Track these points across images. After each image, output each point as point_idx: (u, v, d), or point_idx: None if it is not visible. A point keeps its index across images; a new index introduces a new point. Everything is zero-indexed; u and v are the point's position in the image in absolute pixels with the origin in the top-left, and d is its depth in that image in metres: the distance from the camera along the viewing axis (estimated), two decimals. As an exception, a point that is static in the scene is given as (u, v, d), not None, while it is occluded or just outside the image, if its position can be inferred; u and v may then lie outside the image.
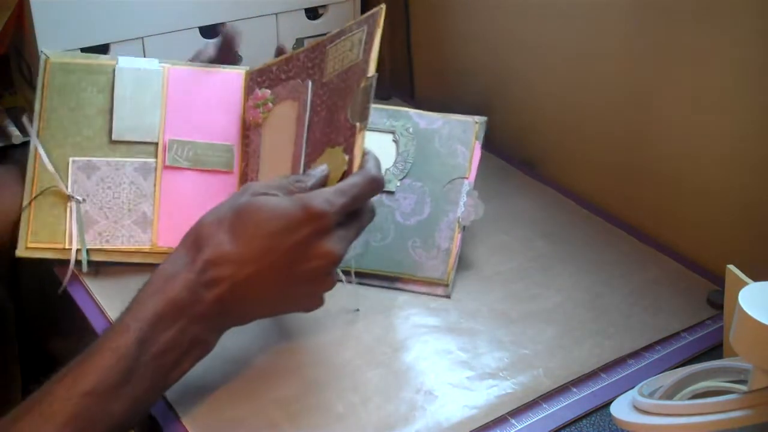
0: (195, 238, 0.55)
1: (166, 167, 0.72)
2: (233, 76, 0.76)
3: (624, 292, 0.70)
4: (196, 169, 0.73)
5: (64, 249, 0.69)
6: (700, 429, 0.44)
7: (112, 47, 0.91)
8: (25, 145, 0.92)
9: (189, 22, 0.93)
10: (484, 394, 0.60)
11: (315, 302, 0.58)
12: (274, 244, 0.54)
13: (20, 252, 0.69)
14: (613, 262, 0.74)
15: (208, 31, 0.94)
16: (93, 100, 0.72)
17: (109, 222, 0.71)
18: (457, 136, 0.75)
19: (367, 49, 0.62)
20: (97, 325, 0.66)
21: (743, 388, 0.49)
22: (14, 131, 0.92)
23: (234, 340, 0.64)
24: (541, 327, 0.66)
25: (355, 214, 0.58)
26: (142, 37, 0.92)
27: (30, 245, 0.69)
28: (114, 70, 0.73)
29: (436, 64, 1.06)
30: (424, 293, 0.70)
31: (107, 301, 0.68)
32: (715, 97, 0.71)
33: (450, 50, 1.03)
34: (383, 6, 0.64)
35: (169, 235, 0.71)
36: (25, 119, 0.72)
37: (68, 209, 0.70)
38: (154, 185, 0.72)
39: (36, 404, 0.48)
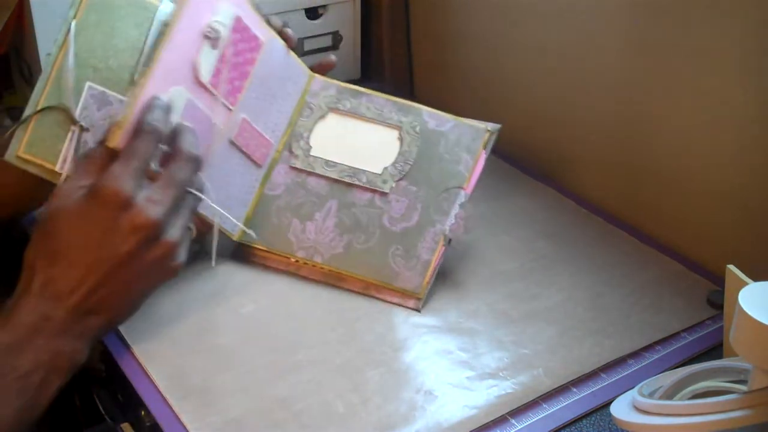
0: (27, 271, 0.56)
1: None
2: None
3: (624, 292, 0.70)
4: None
5: (54, 172, 0.65)
6: (700, 429, 0.44)
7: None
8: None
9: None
10: (484, 394, 0.60)
11: (168, 268, 0.59)
12: (89, 241, 0.55)
13: (9, 157, 0.65)
14: (614, 262, 0.74)
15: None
16: (128, 32, 0.67)
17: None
18: (465, 143, 0.72)
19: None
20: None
21: (743, 388, 0.49)
22: (14, 131, 0.92)
23: (234, 340, 0.64)
24: (541, 327, 0.66)
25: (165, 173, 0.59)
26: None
27: (21, 155, 0.65)
28: (157, 11, 0.67)
29: (436, 63, 1.06)
30: (395, 304, 0.69)
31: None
32: (715, 97, 0.71)
33: (450, 50, 1.03)
34: None
35: None
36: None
37: (70, 133, 0.66)
38: None
39: None
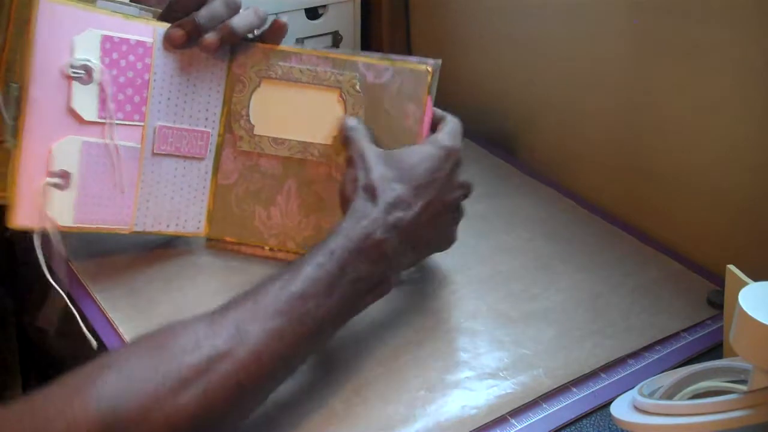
0: (364, 190, 0.62)
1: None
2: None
3: (624, 292, 0.70)
4: None
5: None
6: (700, 429, 0.44)
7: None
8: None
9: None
10: (484, 394, 0.60)
11: (453, 236, 0.68)
12: (433, 181, 0.63)
13: None
14: (613, 262, 0.74)
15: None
16: None
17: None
18: (408, 92, 0.69)
19: None
20: (99, 327, 0.66)
21: (743, 388, 0.49)
22: (14, 131, 0.92)
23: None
24: (541, 327, 0.66)
25: None
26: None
27: None
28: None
29: (436, 64, 1.06)
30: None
31: (110, 307, 0.68)
32: (715, 97, 0.71)
33: (450, 50, 1.03)
34: None
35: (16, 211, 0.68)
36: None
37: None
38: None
39: (251, 297, 0.54)
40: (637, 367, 0.63)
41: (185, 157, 0.71)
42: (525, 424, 0.58)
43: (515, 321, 0.67)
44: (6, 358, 0.90)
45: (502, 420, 0.58)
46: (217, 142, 0.72)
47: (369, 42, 1.13)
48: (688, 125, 0.75)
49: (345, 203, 0.63)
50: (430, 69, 0.71)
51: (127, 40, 0.66)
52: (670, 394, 0.51)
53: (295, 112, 0.71)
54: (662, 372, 0.59)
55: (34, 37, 0.62)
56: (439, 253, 0.74)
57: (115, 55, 0.66)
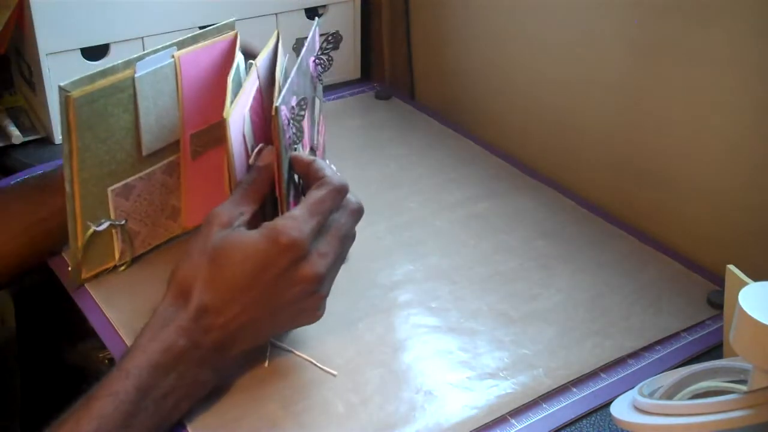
0: (180, 289, 0.56)
1: (186, 158, 0.70)
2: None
3: (624, 292, 0.70)
4: (214, 148, 0.72)
5: (116, 265, 0.70)
6: (700, 429, 0.44)
7: (112, 47, 0.91)
8: (25, 145, 0.93)
9: (189, 22, 0.94)
10: (484, 394, 0.60)
11: (312, 316, 0.60)
12: (255, 282, 0.55)
13: (74, 284, 0.69)
14: (613, 262, 0.74)
15: (208, 31, 0.95)
16: (120, 122, 0.64)
17: (148, 228, 0.71)
18: None
19: None
20: (101, 329, 0.66)
21: (743, 388, 0.49)
22: (14, 131, 0.93)
23: (234, 340, 0.64)
24: (541, 327, 0.66)
25: (326, 223, 0.58)
26: (142, 37, 0.92)
27: (85, 277, 0.69)
28: (133, 82, 0.63)
29: (436, 64, 1.06)
30: None
31: (110, 307, 0.68)
32: (714, 97, 0.71)
33: (450, 50, 1.03)
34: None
35: (193, 215, 0.73)
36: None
37: (114, 234, 0.69)
38: (179, 178, 0.71)
39: None
40: (637, 367, 0.63)
41: (217, 145, 0.71)
42: (525, 424, 0.58)
43: (515, 321, 0.67)
44: (6, 356, 0.91)
45: (502, 420, 0.58)
46: None
47: (369, 42, 1.13)
48: (688, 125, 0.75)
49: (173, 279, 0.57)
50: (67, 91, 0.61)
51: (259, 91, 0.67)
52: (670, 394, 0.51)
53: None
54: (662, 372, 0.59)
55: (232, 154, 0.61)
56: (439, 253, 0.75)
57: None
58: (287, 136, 0.59)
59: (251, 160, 0.62)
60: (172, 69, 0.66)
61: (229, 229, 0.56)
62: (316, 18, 0.73)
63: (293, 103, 0.61)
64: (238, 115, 0.61)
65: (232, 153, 0.60)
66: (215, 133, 0.71)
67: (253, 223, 0.58)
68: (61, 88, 0.60)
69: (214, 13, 0.94)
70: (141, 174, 0.68)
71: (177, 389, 0.54)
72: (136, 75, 0.63)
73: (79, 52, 0.89)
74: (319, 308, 0.59)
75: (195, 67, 0.68)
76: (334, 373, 0.61)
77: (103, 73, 0.62)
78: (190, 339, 0.54)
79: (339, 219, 0.59)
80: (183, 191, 0.72)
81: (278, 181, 0.60)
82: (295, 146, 0.62)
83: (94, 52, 0.90)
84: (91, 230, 0.66)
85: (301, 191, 0.63)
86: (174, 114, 0.68)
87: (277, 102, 0.58)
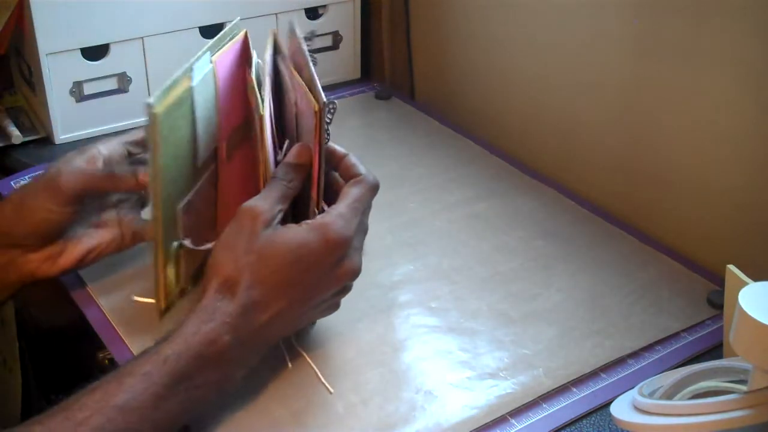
0: (224, 282, 0.55)
1: (222, 163, 0.68)
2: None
3: (624, 292, 0.70)
4: (239, 149, 0.70)
5: (183, 289, 0.68)
6: (700, 429, 0.44)
7: (112, 47, 0.91)
8: (25, 145, 0.93)
9: (189, 22, 0.94)
10: (484, 394, 0.60)
11: (335, 309, 0.62)
12: (303, 278, 0.56)
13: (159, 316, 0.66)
14: (613, 262, 0.74)
15: (208, 31, 0.95)
16: (185, 133, 0.62)
17: (199, 245, 0.67)
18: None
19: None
20: (101, 329, 0.66)
21: (743, 388, 0.49)
22: (14, 131, 0.93)
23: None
24: (541, 327, 0.66)
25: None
26: (142, 37, 0.92)
27: (164, 307, 0.66)
28: (192, 92, 0.61)
29: (437, 64, 1.06)
30: None
31: (111, 307, 0.68)
32: (715, 97, 0.71)
33: (450, 50, 1.03)
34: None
35: (225, 219, 0.70)
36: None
37: (182, 257, 0.66)
38: (215, 186, 0.69)
39: (64, 411, 0.49)
40: (637, 367, 0.63)
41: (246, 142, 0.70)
42: (525, 424, 0.58)
43: (515, 321, 0.67)
44: (5, 357, 0.91)
45: (502, 420, 0.58)
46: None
47: (369, 42, 1.13)
48: (688, 125, 0.75)
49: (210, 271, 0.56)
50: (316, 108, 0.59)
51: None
52: (670, 394, 0.51)
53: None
54: (662, 372, 0.59)
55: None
56: (439, 253, 0.75)
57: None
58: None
59: (285, 158, 0.61)
60: (212, 75, 0.64)
61: (271, 227, 0.56)
62: (322, 16, 0.72)
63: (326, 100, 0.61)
64: (268, 111, 0.61)
65: (269, 150, 0.60)
66: (240, 133, 0.70)
67: (284, 221, 0.59)
68: (147, 104, 0.57)
69: (214, 13, 0.94)
70: (196, 187, 0.66)
71: (210, 383, 0.53)
72: (193, 84, 0.61)
73: (79, 52, 0.89)
74: (340, 301, 0.62)
75: (225, 69, 0.67)
76: (331, 390, 0.60)
77: (170, 86, 0.59)
78: (235, 334, 0.54)
79: (365, 214, 0.60)
80: (220, 197, 0.70)
81: (317, 178, 0.60)
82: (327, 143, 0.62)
83: (94, 52, 0.90)
84: (173, 256, 0.63)
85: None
86: (214, 120, 0.66)
87: (323, 99, 0.57)
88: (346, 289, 0.60)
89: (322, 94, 0.58)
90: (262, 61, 0.65)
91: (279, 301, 0.55)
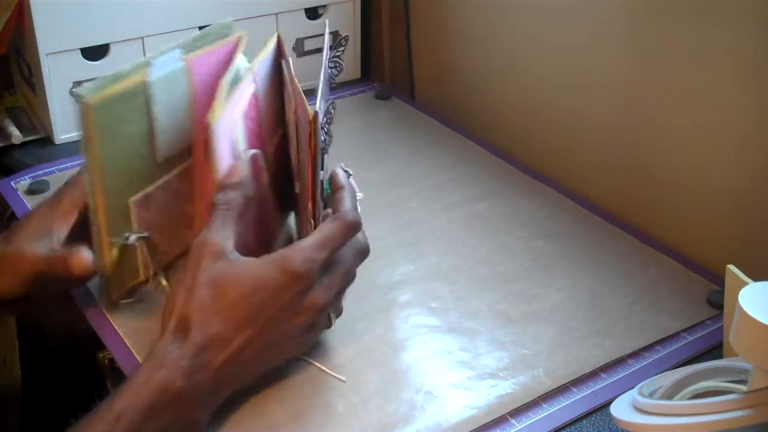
0: (178, 322, 0.54)
1: (200, 164, 0.67)
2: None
3: (624, 292, 0.70)
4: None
5: (141, 281, 0.67)
6: (700, 429, 0.44)
7: (112, 47, 0.91)
8: (25, 145, 0.93)
9: (189, 22, 0.94)
10: (484, 394, 0.60)
11: (307, 346, 0.60)
12: (262, 312, 0.54)
13: (110, 304, 0.67)
14: (613, 262, 0.74)
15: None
16: (137, 127, 0.61)
17: (167, 239, 0.68)
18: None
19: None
20: (101, 329, 0.66)
21: (743, 388, 0.49)
22: (14, 131, 0.93)
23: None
24: (541, 327, 0.66)
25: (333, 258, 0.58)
26: (142, 37, 0.92)
27: (115, 297, 0.67)
28: (146, 87, 0.61)
29: (437, 64, 1.06)
30: None
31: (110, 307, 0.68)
32: (715, 97, 0.71)
33: (450, 50, 1.03)
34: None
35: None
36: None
37: (138, 249, 0.65)
38: (191, 185, 0.68)
39: None
40: (637, 367, 0.63)
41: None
42: (525, 424, 0.58)
43: (515, 321, 0.67)
44: (5, 357, 0.91)
45: (502, 420, 0.58)
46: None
47: (369, 42, 1.13)
48: (688, 125, 0.75)
49: (167, 316, 0.54)
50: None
51: (249, 103, 0.64)
52: (670, 394, 0.51)
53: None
54: (662, 372, 0.59)
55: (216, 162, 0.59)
56: (439, 253, 0.75)
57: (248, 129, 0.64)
58: (321, 140, 0.58)
59: (222, 178, 0.59)
60: (184, 73, 0.64)
61: (224, 258, 0.55)
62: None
63: (324, 108, 0.60)
64: (228, 120, 0.59)
65: (217, 161, 0.58)
66: None
67: (239, 246, 0.57)
68: (76, 95, 0.57)
69: (214, 13, 0.94)
70: (159, 183, 0.65)
71: (172, 430, 0.51)
72: (148, 79, 0.61)
73: (79, 52, 0.89)
74: (311, 340, 0.60)
75: (207, 71, 0.66)
76: (343, 379, 0.60)
77: (114, 78, 0.59)
78: (188, 378, 0.52)
79: (345, 255, 0.58)
80: (197, 195, 0.69)
81: (311, 189, 0.59)
82: (324, 153, 0.61)
83: (94, 52, 0.90)
84: (119, 244, 0.63)
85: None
86: (186, 119, 0.65)
87: (317, 107, 0.56)
88: (315, 326, 0.58)
89: (317, 103, 0.57)
90: (252, 64, 0.65)
91: (237, 337, 0.53)
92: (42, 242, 0.63)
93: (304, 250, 0.55)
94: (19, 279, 0.62)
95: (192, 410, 0.53)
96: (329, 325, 0.61)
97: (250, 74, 0.63)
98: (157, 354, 0.52)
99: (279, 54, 0.68)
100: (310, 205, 0.60)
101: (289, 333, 0.56)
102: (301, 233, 0.63)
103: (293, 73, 0.63)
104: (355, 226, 0.58)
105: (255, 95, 0.65)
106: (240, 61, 0.67)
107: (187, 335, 0.53)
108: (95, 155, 0.59)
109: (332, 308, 0.59)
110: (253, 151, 0.62)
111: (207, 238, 0.56)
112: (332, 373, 0.61)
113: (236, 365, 0.54)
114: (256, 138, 0.65)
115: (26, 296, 0.64)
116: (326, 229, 0.57)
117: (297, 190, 0.64)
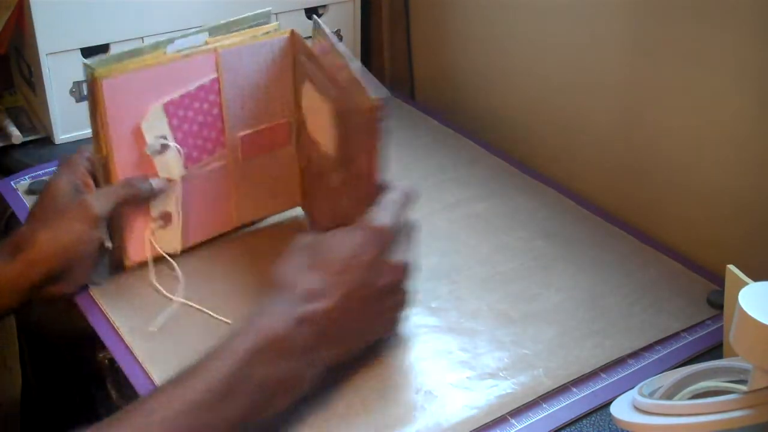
0: (283, 282, 0.57)
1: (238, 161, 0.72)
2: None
3: (624, 292, 0.70)
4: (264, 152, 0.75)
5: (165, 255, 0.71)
6: (700, 429, 0.44)
7: (112, 47, 0.91)
8: (25, 145, 0.93)
9: (189, 22, 0.93)
10: (484, 394, 0.60)
11: (392, 322, 0.62)
12: (350, 267, 0.57)
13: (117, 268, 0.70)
14: (613, 262, 0.74)
15: (208, 31, 0.95)
16: None
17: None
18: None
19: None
20: (101, 329, 0.66)
21: (743, 388, 0.49)
22: (14, 131, 0.93)
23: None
24: (541, 327, 0.66)
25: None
26: (142, 37, 0.92)
27: (129, 263, 0.70)
28: None
29: (437, 64, 1.06)
30: None
31: (111, 307, 0.68)
32: (715, 97, 0.71)
33: (450, 50, 1.03)
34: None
35: (244, 211, 0.76)
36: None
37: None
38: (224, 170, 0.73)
39: (135, 412, 0.49)
40: (637, 367, 0.63)
41: (272, 149, 0.73)
42: (525, 424, 0.58)
43: (515, 321, 0.67)
44: (5, 356, 0.91)
45: (502, 420, 0.58)
46: (297, 126, 0.74)
47: (369, 42, 1.13)
48: (688, 125, 0.75)
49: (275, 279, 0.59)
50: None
51: (188, 93, 0.66)
52: (670, 394, 0.51)
53: (316, 118, 0.70)
54: (662, 372, 0.59)
55: (107, 119, 0.62)
56: (438, 253, 0.75)
57: (181, 112, 0.66)
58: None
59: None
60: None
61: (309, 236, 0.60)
62: (322, 16, 0.72)
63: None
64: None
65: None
66: (266, 137, 0.73)
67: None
68: (84, 65, 0.59)
69: (215, 12, 0.94)
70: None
71: (277, 379, 0.53)
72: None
73: (79, 52, 0.89)
74: (401, 311, 0.61)
75: (239, 63, 0.68)
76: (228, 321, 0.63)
77: (132, 53, 0.61)
78: (294, 327, 0.54)
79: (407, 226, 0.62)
80: (233, 189, 0.73)
81: (373, 176, 0.61)
82: None
83: (94, 52, 0.90)
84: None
85: None
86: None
87: (376, 95, 0.57)
88: (399, 293, 0.60)
89: (376, 91, 0.58)
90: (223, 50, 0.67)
91: (333, 289, 0.56)
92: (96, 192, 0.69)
93: (380, 210, 0.60)
94: (87, 225, 0.65)
95: (292, 359, 0.54)
96: (408, 306, 0.62)
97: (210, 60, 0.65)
98: (265, 303, 0.56)
99: (293, 49, 0.69)
100: (372, 190, 0.61)
101: (377, 293, 0.58)
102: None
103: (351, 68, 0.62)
104: (412, 197, 0.63)
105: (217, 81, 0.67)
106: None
107: (292, 289, 0.56)
108: (105, 126, 0.61)
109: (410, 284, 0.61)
110: None
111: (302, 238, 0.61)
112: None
113: (338, 317, 0.56)
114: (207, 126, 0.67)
115: (59, 274, 0.66)
116: (390, 197, 0.61)
117: (334, 182, 0.67)
